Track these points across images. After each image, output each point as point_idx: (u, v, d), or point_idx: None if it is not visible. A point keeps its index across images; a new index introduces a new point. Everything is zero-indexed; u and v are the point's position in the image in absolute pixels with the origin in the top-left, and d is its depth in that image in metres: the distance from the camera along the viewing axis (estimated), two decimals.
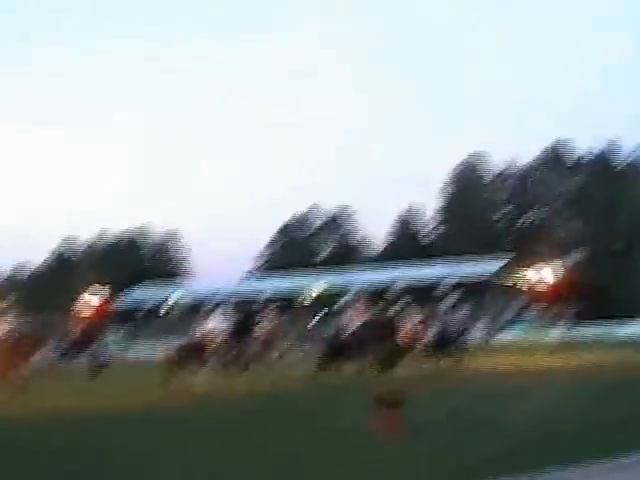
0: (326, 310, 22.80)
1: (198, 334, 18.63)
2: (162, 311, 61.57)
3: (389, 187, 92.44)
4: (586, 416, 8.51)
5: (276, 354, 23.49)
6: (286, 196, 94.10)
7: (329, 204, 77.26)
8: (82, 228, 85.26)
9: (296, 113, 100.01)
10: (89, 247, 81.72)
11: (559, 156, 66.99)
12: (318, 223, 78.45)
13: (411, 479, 5.99)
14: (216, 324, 19.39)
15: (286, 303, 58.66)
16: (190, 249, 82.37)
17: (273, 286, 59.33)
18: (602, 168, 64.17)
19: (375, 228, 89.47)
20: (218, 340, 18.64)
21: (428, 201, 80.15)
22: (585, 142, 67.68)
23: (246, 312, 29.35)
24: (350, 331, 17.80)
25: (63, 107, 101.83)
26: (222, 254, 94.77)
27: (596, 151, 66.51)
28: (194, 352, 17.14)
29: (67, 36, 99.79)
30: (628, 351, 22.61)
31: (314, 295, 56.06)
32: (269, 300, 57.93)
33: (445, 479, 5.90)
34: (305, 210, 77.84)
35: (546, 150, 68.21)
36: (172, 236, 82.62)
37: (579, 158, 67.54)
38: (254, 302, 58.20)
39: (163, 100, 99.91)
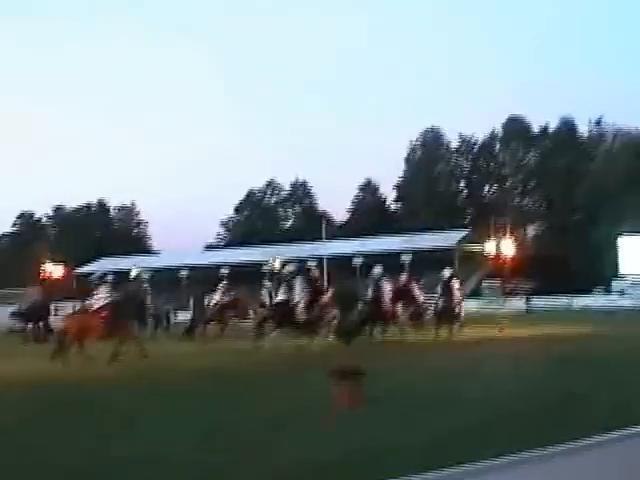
0: (287, 282, 22.72)
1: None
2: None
3: (346, 162, 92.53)
4: (529, 393, 8.47)
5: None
6: (241, 174, 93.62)
7: (286, 180, 77.31)
8: (38, 205, 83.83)
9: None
10: (45, 223, 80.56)
11: (516, 131, 67.58)
12: (275, 199, 78.31)
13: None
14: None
15: (246, 275, 58.68)
16: (148, 223, 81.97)
17: (233, 259, 59.11)
18: (560, 142, 64.92)
19: (333, 203, 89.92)
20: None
21: (386, 175, 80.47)
22: (540, 119, 68.52)
23: (207, 284, 29.21)
24: (312, 302, 17.67)
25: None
26: (181, 230, 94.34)
27: (552, 126, 67.31)
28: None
29: None
30: (584, 323, 22.96)
31: (275, 267, 55.89)
32: (229, 273, 57.91)
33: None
34: (262, 186, 77.65)
35: (503, 125, 68.78)
36: (129, 211, 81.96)
37: (537, 133, 68.25)
38: (214, 275, 58.13)
39: (124, 74, 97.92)
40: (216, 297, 24.10)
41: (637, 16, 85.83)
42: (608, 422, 5.69)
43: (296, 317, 17.31)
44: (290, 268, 19.27)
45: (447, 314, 19.88)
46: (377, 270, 20.61)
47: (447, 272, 21.58)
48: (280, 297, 18.21)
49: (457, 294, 20.89)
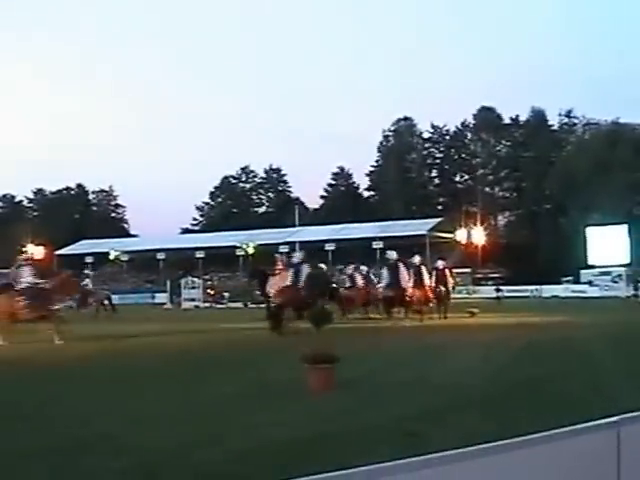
0: (262, 267, 23.39)
1: None
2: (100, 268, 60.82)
3: (319, 149, 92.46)
4: (495, 378, 8.63)
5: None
6: (216, 159, 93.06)
7: (259, 166, 77.13)
8: (17, 187, 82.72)
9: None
10: (26, 206, 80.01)
11: (488, 121, 68.06)
12: (250, 185, 78.22)
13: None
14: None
15: (221, 259, 58.58)
16: (126, 207, 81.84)
17: (208, 242, 58.97)
18: (530, 132, 65.53)
19: (306, 189, 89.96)
20: None
21: (358, 163, 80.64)
22: (511, 109, 69.10)
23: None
24: (285, 287, 17.79)
25: None
26: (157, 214, 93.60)
27: (523, 117, 67.93)
28: None
29: None
30: (553, 312, 23.32)
31: (248, 252, 55.87)
32: (204, 257, 57.74)
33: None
34: (237, 172, 77.50)
35: (475, 115, 69.24)
36: (108, 195, 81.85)
37: (508, 123, 68.81)
38: (190, 258, 57.99)
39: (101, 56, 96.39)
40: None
41: (608, 9, 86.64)
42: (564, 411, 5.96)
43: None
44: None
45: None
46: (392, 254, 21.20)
47: (417, 259, 22.17)
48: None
49: (426, 281, 21.57)
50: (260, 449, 5.20)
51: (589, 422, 2.16)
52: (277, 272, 22.31)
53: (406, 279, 20.42)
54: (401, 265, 20.88)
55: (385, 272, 21.19)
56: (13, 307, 15.25)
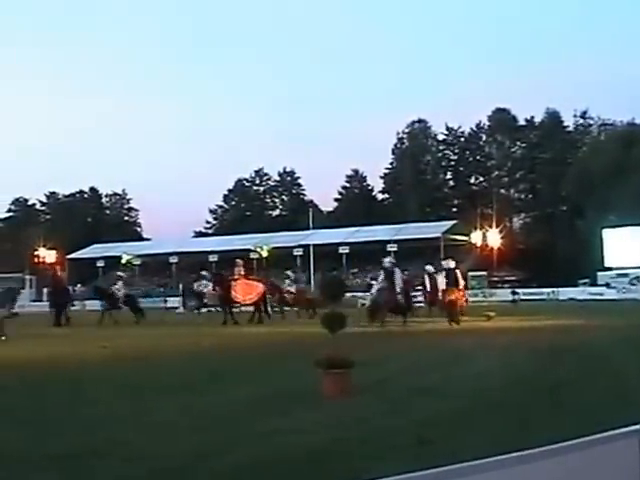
0: (224, 274, 24.49)
1: None
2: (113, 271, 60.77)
3: (333, 152, 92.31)
4: (517, 383, 8.45)
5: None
6: (229, 162, 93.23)
7: (273, 169, 77.06)
8: (30, 190, 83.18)
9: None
10: (38, 209, 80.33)
11: (503, 122, 67.63)
12: (264, 187, 78.14)
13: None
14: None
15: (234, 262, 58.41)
16: (139, 211, 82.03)
17: (221, 246, 58.94)
18: (546, 134, 65.04)
19: (320, 192, 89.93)
20: None
21: (373, 166, 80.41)
22: (526, 110, 68.63)
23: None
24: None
25: None
26: (170, 217, 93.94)
27: (538, 118, 67.45)
28: None
29: None
30: (570, 315, 22.99)
31: (263, 255, 55.80)
32: (218, 260, 57.67)
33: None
34: (251, 175, 77.43)
35: (489, 117, 68.83)
36: (121, 199, 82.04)
37: (523, 124, 68.34)
38: (203, 262, 57.93)
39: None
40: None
41: (623, 8, 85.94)
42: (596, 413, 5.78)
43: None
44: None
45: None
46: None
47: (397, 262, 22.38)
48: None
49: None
50: (275, 457, 5.08)
51: (610, 430, 2.03)
52: (238, 278, 23.43)
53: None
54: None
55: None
56: None
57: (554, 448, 1.88)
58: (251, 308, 24.86)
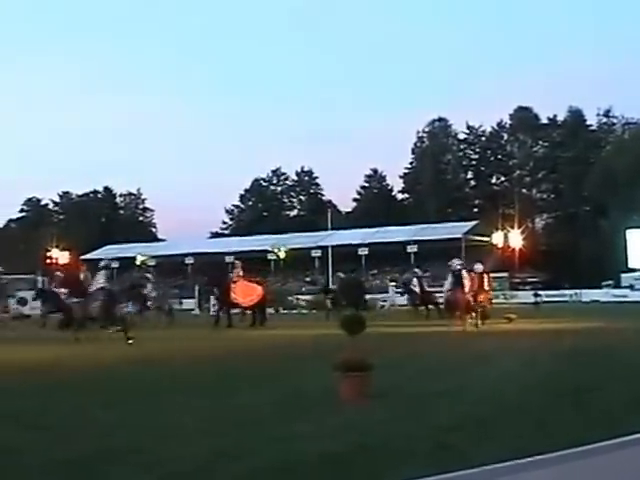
0: (222, 275, 24.45)
1: None
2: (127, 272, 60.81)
3: (352, 151, 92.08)
4: (541, 386, 8.24)
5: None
6: (246, 161, 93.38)
7: (290, 169, 76.88)
8: (44, 191, 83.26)
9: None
10: (52, 209, 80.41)
11: (525, 121, 67.05)
12: (281, 187, 77.97)
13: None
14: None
15: (252, 263, 58.48)
16: (154, 211, 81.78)
17: (238, 247, 58.82)
18: (568, 133, 64.39)
19: (338, 192, 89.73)
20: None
21: (392, 165, 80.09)
22: (548, 109, 67.97)
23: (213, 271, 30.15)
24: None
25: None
26: (185, 218, 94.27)
27: (561, 116, 66.79)
28: None
29: None
30: (593, 318, 22.58)
31: (280, 256, 55.68)
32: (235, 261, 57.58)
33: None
34: (268, 174, 77.28)
35: (511, 115, 68.27)
36: (135, 198, 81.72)
37: (545, 123, 67.72)
38: (220, 263, 57.96)
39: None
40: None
41: None
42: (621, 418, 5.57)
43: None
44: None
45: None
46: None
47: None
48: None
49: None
50: (293, 462, 4.94)
51: (628, 435, 1.91)
52: (237, 279, 23.40)
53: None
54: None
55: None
56: None
57: (568, 453, 1.78)
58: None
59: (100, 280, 17.33)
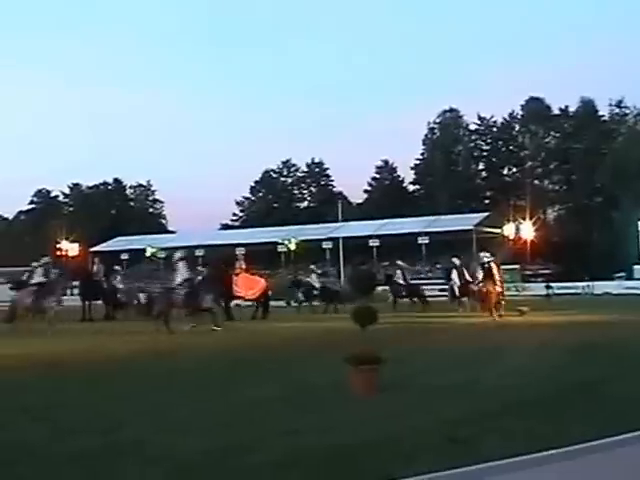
0: (225, 267, 24.39)
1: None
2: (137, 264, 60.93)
3: (362, 142, 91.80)
4: (545, 380, 8.18)
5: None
6: (256, 152, 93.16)
7: (301, 160, 76.69)
8: (53, 182, 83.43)
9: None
10: (61, 201, 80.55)
11: (536, 112, 66.61)
12: (292, 179, 77.82)
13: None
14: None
15: (262, 256, 58.49)
16: (164, 202, 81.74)
17: (248, 239, 58.86)
18: (580, 123, 63.96)
19: (349, 184, 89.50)
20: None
21: (403, 156, 79.82)
22: (559, 99, 67.48)
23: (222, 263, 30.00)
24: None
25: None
26: (196, 209, 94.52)
27: (573, 107, 66.34)
28: None
29: None
30: (607, 310, 22.42)
31: (291, 248, 55.68)
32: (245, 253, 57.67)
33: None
34: (278, 166, 77.11)
35: (523, 106, 67.85)
36: (145, 190, 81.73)
37: (557, 114, 67.27)
38: (230, 255, 57.93)
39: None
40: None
41: None
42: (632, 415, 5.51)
43: None
44: None
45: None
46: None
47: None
48: None
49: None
50: (303, 455, 4.92)
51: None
52: (239, 272, 23.41)
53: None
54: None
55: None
56: None
57: (576, 449, 1.79)
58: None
59: (182, 271, 17.81)
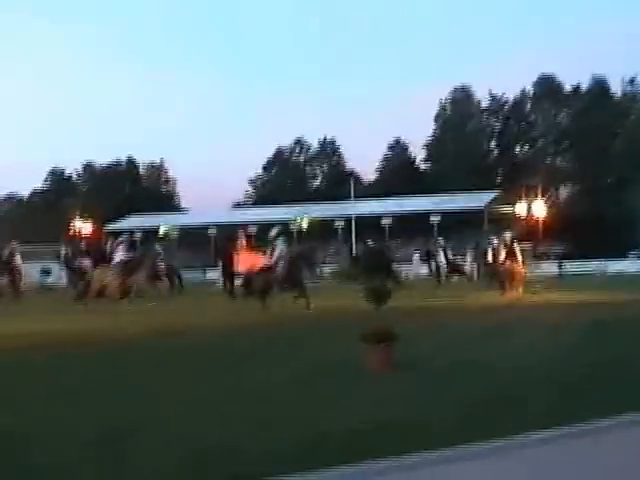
0: (229, 246, 24.06)
1: None
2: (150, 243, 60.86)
3: (375, 120, 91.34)
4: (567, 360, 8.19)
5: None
6: (269, 130, 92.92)
7: (313, 138, 76.33)
8: (67, 161, 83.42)
9: None
10: (76, 180, 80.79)
11: (548, 89, 65.95)
12: (304, 157, 77.56)
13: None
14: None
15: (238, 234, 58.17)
16: (177, 181, 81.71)
17: (261, 217, 58.83)
18: (593, 101, 63.30)
19: (362, 162, 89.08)
20: None
21: (415, 135, 79.37)
22: (572, 77, 66.82)
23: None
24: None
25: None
26: (208, 188, 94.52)
27: (585, 85, 65.64)
28: None
29: None
30: (619, 288, 22.35)
31: (303, 227, 55.69)
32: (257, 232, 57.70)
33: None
34: (291, 144, 76.80)
35: (534, 84, 67.17)
36: (158, 169, 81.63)
37: (569, 92, 66.59)
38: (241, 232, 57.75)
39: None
40: None
41: None
42: None
43: None
44: None
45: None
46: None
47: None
48: None
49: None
50: (320, 435, 4.91)
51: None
52: (241, 250, 23.28)
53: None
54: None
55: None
56: None
57: (577, 431, 1.82)
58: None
59: (281, 247, 17.85)
